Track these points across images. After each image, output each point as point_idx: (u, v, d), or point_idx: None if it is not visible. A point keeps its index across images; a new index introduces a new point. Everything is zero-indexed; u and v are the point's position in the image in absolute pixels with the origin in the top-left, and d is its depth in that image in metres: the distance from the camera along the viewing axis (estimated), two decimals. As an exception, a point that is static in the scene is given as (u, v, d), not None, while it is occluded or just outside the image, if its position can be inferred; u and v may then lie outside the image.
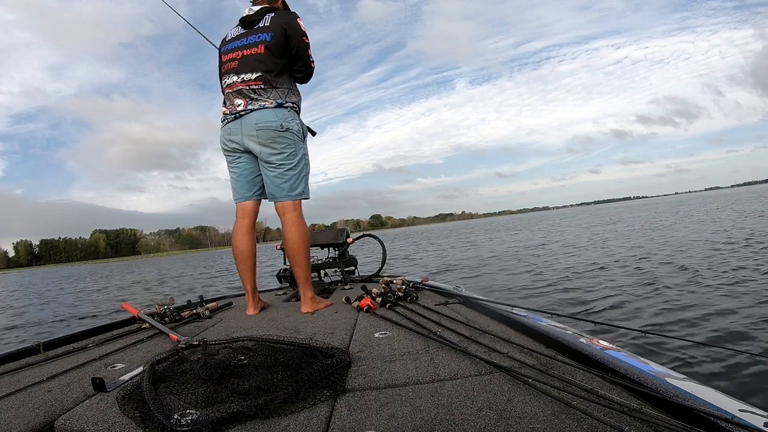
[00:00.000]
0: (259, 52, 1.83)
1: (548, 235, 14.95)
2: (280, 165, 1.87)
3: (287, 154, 1.87)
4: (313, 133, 2.06)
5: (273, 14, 1.87)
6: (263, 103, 1.83)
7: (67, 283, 17.09)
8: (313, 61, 1.93)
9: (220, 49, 2.00)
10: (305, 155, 1.96)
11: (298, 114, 1.95)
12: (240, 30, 1.92)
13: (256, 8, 1.91)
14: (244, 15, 1.92)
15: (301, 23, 1.86)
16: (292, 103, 1.90)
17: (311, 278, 1.97)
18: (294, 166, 1.89)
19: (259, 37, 1.84)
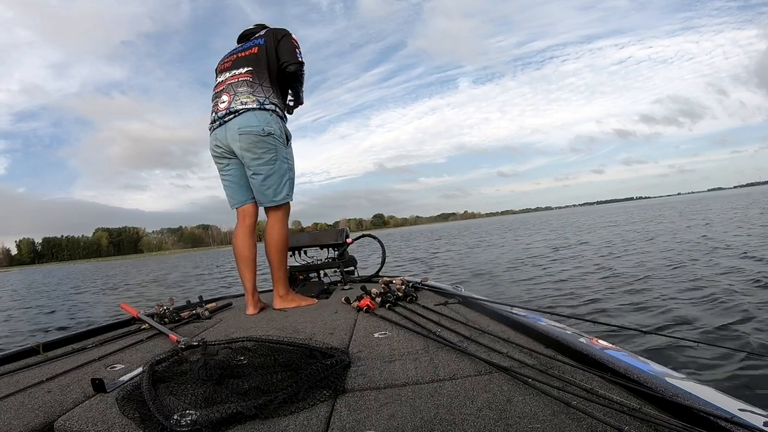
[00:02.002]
0: (252, 52, 1.97)
1: (567, 235, 13.82)
2: (260, 170, 1.92)
3: (267, 159, 1.91)
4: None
5: (268, 29, 2.06)
6: (245, 100, 1.89)
7: (76, 282, 16.40)
8: (303, 63, 2.00)
9: (216, 68, 2.10)
10: (287, 160, 2.00)
11: (282, 118, 2.00)
12: (237, 45, 2.11)
13: (252, 26, 2.14)
14: (242, 31, 2.13)
15: (293, 36, 2.01)
16: (274, 105, 1.94)
17: (286, 278, 2.06)
18: (275, 171, 1.94)
19: (253, 42, 2.00)
